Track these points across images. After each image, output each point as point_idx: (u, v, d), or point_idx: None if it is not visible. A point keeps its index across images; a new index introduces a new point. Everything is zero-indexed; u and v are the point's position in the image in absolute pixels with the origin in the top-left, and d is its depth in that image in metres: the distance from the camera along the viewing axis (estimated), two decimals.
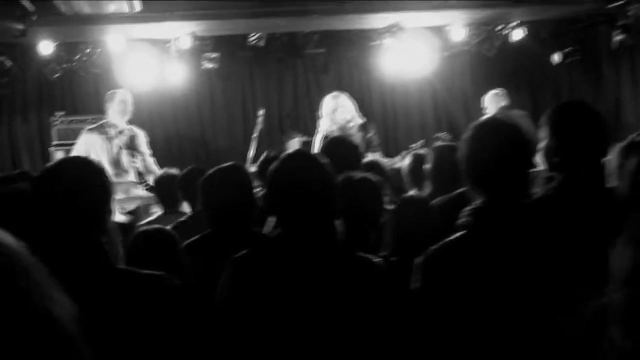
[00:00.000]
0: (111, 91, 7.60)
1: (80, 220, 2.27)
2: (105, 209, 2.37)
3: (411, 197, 3.79)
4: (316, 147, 7.22)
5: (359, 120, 7.30)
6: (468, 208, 2.55)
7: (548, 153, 3.16)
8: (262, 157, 5.64)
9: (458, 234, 2.53)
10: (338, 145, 4.62)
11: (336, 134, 7.04)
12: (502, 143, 2.49)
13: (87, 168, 2.41)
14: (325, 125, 7.16)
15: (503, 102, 8.97)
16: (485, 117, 2.75)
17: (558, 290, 2.38)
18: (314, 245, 2.53)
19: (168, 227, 3.71)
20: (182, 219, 4.63)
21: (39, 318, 0.76)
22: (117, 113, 7.41)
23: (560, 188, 3.26)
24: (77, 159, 2.65)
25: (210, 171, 3.83)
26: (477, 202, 2.54)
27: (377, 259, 2.65)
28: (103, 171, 2.44)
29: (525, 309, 2.39)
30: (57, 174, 2.36)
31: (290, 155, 2.66)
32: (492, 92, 9.07)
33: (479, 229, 2.48)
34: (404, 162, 7.31)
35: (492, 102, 9.00)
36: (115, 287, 2.27)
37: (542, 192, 3.52)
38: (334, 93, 7.32)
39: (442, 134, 8.90)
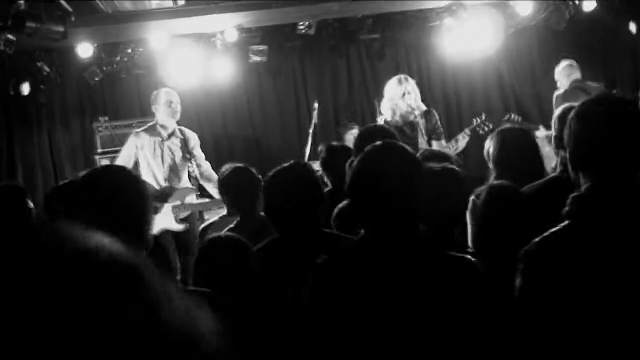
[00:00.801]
0: (156, 91, 7.65)
1: (116, 231, 2.30)
2: (143, 219, 2.40)
3: (501, 185, 3.75)
4: None
5: (423, 107, 7.28)
6: (573, 195, 2.51)
7: None
8: (323, 148, 5.62)
9: (562, 225, 2.49)
10: (376, 139, 4.56)
11: (398, 121, 7.04)
12: (613, 119, 2.43)
13: (123, 177, 2.44)
14: (387, 111, 7.16)
15: (576, 74, 8.96)
16: (595, 94, 2.70)
17: None
18: (404, 246, 2.52)
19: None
20: (213, 219, 4.65)
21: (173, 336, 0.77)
22: (165, 114, 7.45)
23: None
24: (113, 167, 2.69)
25: (272, 172, 3.81)
26: (582, 188, 2.50)
27: (470, 258, 2.63)
28: (140, 180, 2.48)
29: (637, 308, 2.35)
30: (92, 183, 2.40)
31: (378, 146, 2.66)
32: (564, 63, 9.11)
33: (586, 218, 2.43)
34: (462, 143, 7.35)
35: (565, 74, 8.99)
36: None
37: None
38: (400, 76, 7.29)
39: (513, 115, 8.84)
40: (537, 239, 2.50)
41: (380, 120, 7.25)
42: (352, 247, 2.69)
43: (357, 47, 10.75)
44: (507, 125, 8.03)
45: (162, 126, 7.46)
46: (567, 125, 2.57)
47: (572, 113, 2.59)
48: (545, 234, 2.50)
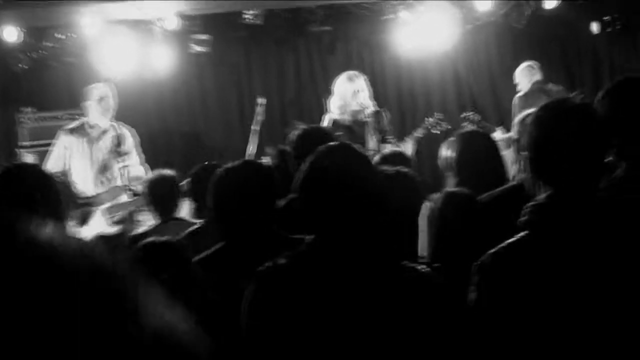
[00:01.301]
0: (89, 86, 7.49)
1: None
2: (61, 216, 2.35)
3: (455, 192, 3.73)
4: None
5: (373, 107, 7.27)
6: (530, 204, 2.50)
7: None
8: (274, 152, 5.58)
9: (519, 235, 2.48)
10: (316, 141, 4.51)
11: (346, 120, 7.02)
12: (573, 125, 2.45)
13: (36, 175, 2.39)
14: (336, 109, 7.12)
15: (537, 76, 9.14)
16: (554, 98, 2.76)
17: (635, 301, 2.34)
18: (357, 255, 2.48)
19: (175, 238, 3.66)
20: (195, 227, 4.56)
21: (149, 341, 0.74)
22: (97, 112, 7.31)
23: (627, 178, 3.27)
24: (28, 165, 2.67)
25: (220, 171, 3.71)
26: (541, 196, 2.49)
27: (426, 269, 2.59)
28: (53, 178, 2.43)
29: (601, 322, 2.35)
30: (8, 181, 2.35)
31: (331, 147, 2.61)
32: (525, 64, 9.29)
33: (543, 228, 2.44)
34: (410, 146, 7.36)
35: (525, 76, 9.15)
36: None
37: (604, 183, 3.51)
38: (350, 73, 7.27)
39: (470, 113, 8.87)
40: (492, 251, 2.51)
41: (327, 118, 7.21)
42: (300, 253, 2.62)
43: (306, 40, 10.71)
44: (466, 124, 8.10)
45: (92, 126, 7.33)
46: (528, 130, 2.57)
47: (530, 118, 2.59)
48: (501, 245, 2.50)
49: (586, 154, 2.46)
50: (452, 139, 4.91)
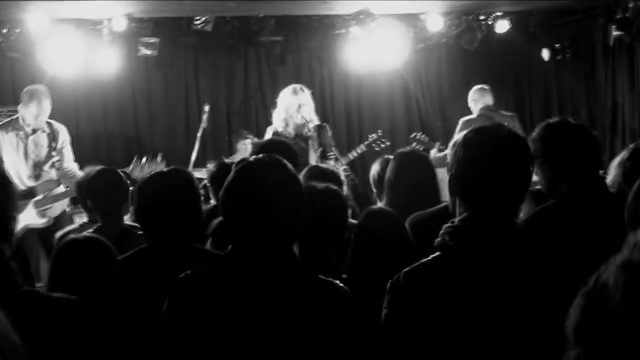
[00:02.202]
0: (27, 91, 7.49)
1: None
2: (6, 215, 2.35)
3: (379, 210, 3.79)
4: None
5: (317, 121, 7.34)
6: (446, 225, 2.56)
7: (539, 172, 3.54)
8: (214, 165, 5.62)
9: (432, 256, 2.54)
10: (277, 150, 4.58)
11: (290, 133, 7.07)
12: (496, 152, 2.51)
13: None
14: (280, 122, 7.17)
15: (487, 99, 9.23)
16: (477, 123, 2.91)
17: (542, 329, 2.39)
18: (271, 266, 2.52)
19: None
20: (71, 227, 4.59)
21: None
22: (31, 115, 7.36)
23: (551, 209, 3.43)
24: None
25: (146, 176, 3.81)
26: (458, 218, 2.55)
27: (340, 283, 2.64)
28: (3, 174, 2.42)
29: (502, 346, 2.41)
30: None
31: (255, 159, 2.65)
32: (478, 87, 9.36)
33: (456, 250, 2.49)
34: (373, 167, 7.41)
35: (473, 100, 9.24)
36: (16, 312, 2.23)
37: (529, 213, 3.67)
38: (296, 86, 7.33)
39: (419, 134, 8.98)
40: (405, 270, 2.55)
41: (270, 130, 7.27)
42: (217, 263, 2.67)
43: (256, 49, 10.72)
44: (415, 144, 8.19)
45: (25, 120, 7.35)
46: (453, 151, 2.63)
47: (459, 140, 2.64)
48: (414, 265, 2.55)
49: (505, 179, 2.51)
50: (386, 156, 4.99)
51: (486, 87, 9.36)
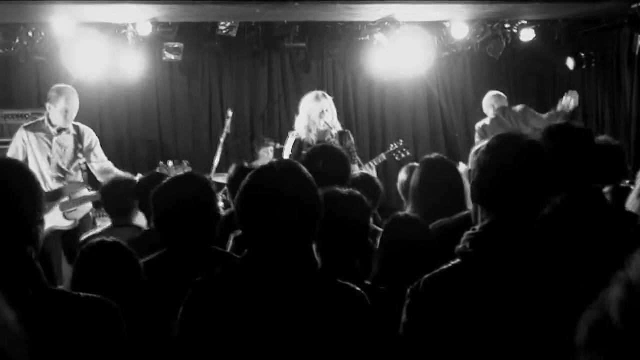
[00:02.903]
0: (55, 88, 7.49)
1: (3, 231, 2.25)
2: (33, 217, 2.36)
3: (405, 216, 3.79)
4: (286, 151, 7.26)
5: (339, 127, 7.33)
6: (467, 232, 2.56)
7: None
8: (233, 168, 5.62)
9: (453, 263, 2.54)
10: (325, 155, 4.62)
11: (312, 139, 7.07)
12: (521, 158, 2.52)
13: (11, 171, 2.40)
14: (302, 128, 7.18)
15: (501, 103, 9.30)
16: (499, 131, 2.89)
17: (562, 332, 2.39)
18: (287, 270, 2.52)
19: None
20: (136, 234, 4.61)
21: None
22: (59, 115, 7.36)
23: (558, 211, 3.41)
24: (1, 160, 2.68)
25: (164, 181, 3.84)
26: (479, 225, 2.55)
27: (358, 288, 2.64)
28: (31, 175, 2.43)
29: (523, 352, 2.40)
30: None
31: (270, 163, 2.66)
32: (490, 93, 9.40)
33: (476, 258, 2.49)
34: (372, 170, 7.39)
35: (489, 105, 9.34)
36: (46, 311, 2.24)
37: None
38: (318, 92, 7.33)
39: (399, 144, 8.75)
40: (426, 276, 2.54)
41: (292, 136, 7.27)
42: (234, 266, 2.68)
43: (280, 55, 10.76)
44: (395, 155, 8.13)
45: (50, 122, 7.37)
46: (476, 158, 2.63)
47: (483, 147, 2.65)
48: (435, 271, 2.54)
49: (526, 187, 2.51)
50: (411, 163, 4.97)
51: (500, 93, 9.43)
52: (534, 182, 2.53)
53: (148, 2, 8.15)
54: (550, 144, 3.43)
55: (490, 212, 2.53)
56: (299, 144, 7.09)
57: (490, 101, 9.31)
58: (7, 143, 7.87)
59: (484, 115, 9.61)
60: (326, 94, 7.32)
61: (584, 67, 10.74)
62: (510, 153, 2.55)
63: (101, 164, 7.48)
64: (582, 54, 10.64)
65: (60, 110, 7.30)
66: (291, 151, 7.11)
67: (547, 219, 3.18)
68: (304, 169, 2.65)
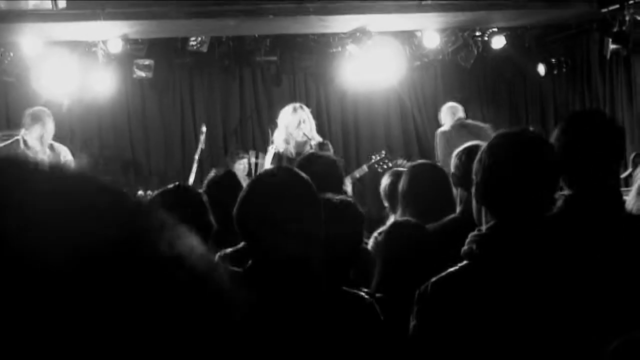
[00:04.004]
0: (29, 114, 7.40)
1: None
2: None
3: (405, 222, 3.77)
4: (267, 164, 7.22)
5: (318, 139, 7.31)
6: (472, 234, 2.53)
7: None
8: (209, 178, 5.56)
9: (460, 265, 2.51)
10: (316, 162, 4.58)
11: (292, 152, 7.04)
12: (526, 157, 2.50)
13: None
14: (281, 141, 7.14)
15: (460, 114, 9.51)
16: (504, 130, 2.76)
17: (573, 331, 2.38)
18: (294, 278, 2.49)
19: None
20: None
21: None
22: (36, 137, 7.28)
23: (567, 209, 3.32)
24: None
25: (154, 194, 3.79)
26: (485, 226, 2.52)
27: (366, 296, 2.61)
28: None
29: (536, 352, 2.39)
30: None
31: (270, 172, 2.63)
32: (449, 104, 9.64)
33: (484, 258, 2.47)
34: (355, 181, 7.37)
35: (450, 114, 9.52)
36: None
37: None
38: (295, 105, 7.31)
39: (380, 154, 8.71)
40: (432, 280, 2.52)
41: (271, 150, 7.23)
42: (240, 277, 2.63)
43: (252, 69, 10.75)
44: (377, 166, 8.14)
45: (27, 145, 7.28)
46: (478, 158, 2.59)
47: (484, 146, 2.61)
48: (442, 274, 2.52)
49: (534, 186, 2.49)
50: (394, 169, 4.96)
51: (455, 103, 9.63)
52: (539, 181, 2.51)
53: (118, 19, 8.09)
54: (571, 131, 3.26)
55: (496, 213, 2.51)
56: (278, 157, 7.05)
57: (451, 110, 9.56)
58: None
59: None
60: (304, 106, 7.31)
61: (555, 72, 10.82)
62: (515, 151, 2.52)
63: None
64: (553, 60, 10.73)
65: (36, 136, 7.25)
66: (271, 164, 7.06)
67: (559, 218, 3.13)
68: (304, 174, 2.62)
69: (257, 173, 2.61)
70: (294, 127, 7.08)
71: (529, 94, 11.52)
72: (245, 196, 2.55)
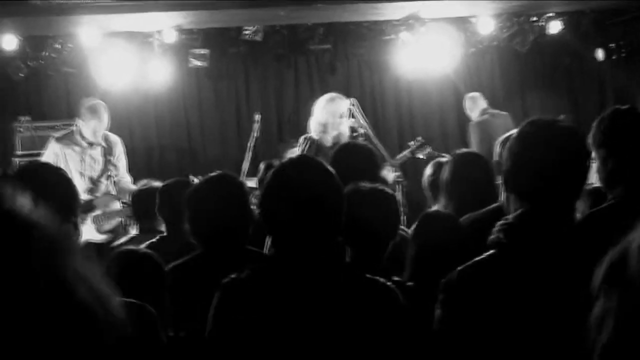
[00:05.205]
0: (86, 106, 7.51)
1: None
2: (68, 218, 2.40)
3: (436, 212, 3.76)
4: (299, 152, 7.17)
5: (360, 130, 7.28)
6: (500, 222, 2.52)
7: (599, 166, 3.29)
8: (262, 166, 5.60)
9: (487, 254, 2.50)
10: (352, 152, 4.60)
11: (329, 140, 7.00)
12: (557, 145, 2.48)
13: (54, 172, 2.46)
14: (317, 130, 7.10)
15: (482, 104, 9.88)
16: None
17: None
18: (315, 266, 2.51)
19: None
20: (152, 240, 4.63)
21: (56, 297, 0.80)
22: (90, 129, 7.39)
23: (613, 207, 3.29)
24: (45, 163, 2.75)
25: (198, 183, 3.85)
26: (512, 215, 2.51)
27: (389, 283, 2.62)
28: (68, 177, 2.51)
29: (560, 344, 2.36)
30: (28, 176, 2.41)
31: (291, 160, 2.65)
32: (469, 95, 10.04)
33: (511, 248, 2.45)
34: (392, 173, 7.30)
35: (473, 106, 9.91)
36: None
37: (588, 210, 3.53)
38: (333, 94, 7.26)
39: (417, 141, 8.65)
40: (459, 269, 2.51)
41: (306, 140, 7.18)
42: (262, 266, 2.67)
43: (306, 57, 10.77)
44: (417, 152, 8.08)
45: (82, 135, 7.40)
46: (508, 145, 2.58)
47: (515, 133, 2.60)
48: (468, 263, 2.51)
49: (562, 174, 2.47)
50: (437, 160, 4.94)
51: (476, 94, 9.96)
52: (570, 169, 2.49)
53: (172, 10, 8.19)
54: (617, 125, 3.32)
55: (524, 202, 2.49)
56: (316, 146, 6.99)
57: (475, 100, 9.95)
58: (38, 155, 7.92)
59: (515, 110, 9.68)
60: (342, 96, 7.25)
61: (613, 57, 10.62)
62: (545, 139, 2.50)
63: (120, 178, 7.49)
64: (611, 45, 10.53)
65: (92, 127, 7.35)
66: (306, 152, 7.02)
67: (607, 212, 3.09)
68: (325, 163, 2.64)
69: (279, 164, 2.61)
70: (332, 117, 7.04)
71: (586, 79, 11.32)
72: (266, 186, 2.58)
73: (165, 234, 4.81)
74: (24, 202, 0.94)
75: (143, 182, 5.69)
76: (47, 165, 3.28)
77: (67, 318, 0.78)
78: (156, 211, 4.87)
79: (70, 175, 2.85)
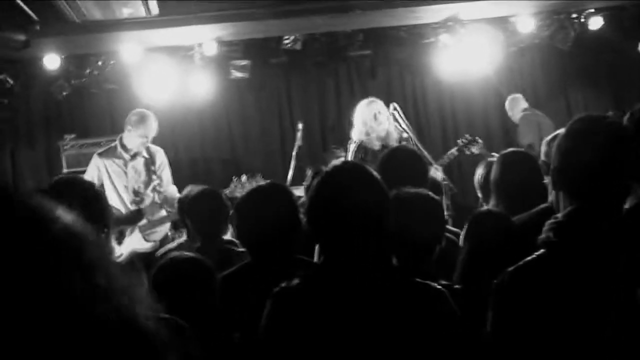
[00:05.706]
0: (136, 112, 7.47)
1: None
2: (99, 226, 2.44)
3: (487, 211, 3.71)
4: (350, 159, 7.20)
5: (403, 134, 7.29)
6: (549, 222, 2.48)
7: None
8: (310, 173, 5.59)
9: (537, 254, 2.46)
10: (399, 157, 4.58)
11: (375, 144, 7.02)
12: (606, 142, 2.42)
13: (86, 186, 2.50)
14: (361, 135, 7.13)
15: (524, 104, 10.02)
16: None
17: None
18: (365, 273, 2.49)
19: None
20: (170, 245, 4.65)
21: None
22: (137, 139, 7.37)
23: None
24: (76, 177, 2.82)
25: (247, 192, 3.86)
26: (562, 213, 2.47)
27: (438, 286, 2.59)
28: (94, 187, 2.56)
29: (613, 343, 2.32)
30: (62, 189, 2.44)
31: (336, 167, 2.63)
32: (511, 96, 10.16)
33: (561, 247, 2.41)
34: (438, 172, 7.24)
35: (515, 107, 10.03)
36: None
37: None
38: (370, 98, 7.32)
39: (465, 138, 8.60)
40: (510, 269, 2.48)
41: (353, 145, 7.22)
42: (312, 274, 2.66)
43: (346, 64, 10.77)
44: (467, 149, 8.05)
45: (124, 147, 7.41)
46: (556, 143, 2.55)
47: (563, 131, 2.57)
48: (519, 263, 2.47)
49: (611, 171, 2.43)
50: (488, 160, 4.89)
51: (517, 94, 10.13)
52: (616, 168, 2.44)
53: (212, 22, 8.23)
54: None
55: (574, 200, 2.45)
56: (363, 150, 7.03)
57: (512, 103, 10.15)
58: (84, 172, 7.99)
59: (559, 108, 9.60)
60: (376, 99, 7.30)
61: None
62: (594, 137, 2.45)
63: (166, 188, 7.50)
64: None
65: (140, 135, 7.34)
66: (354, 158, 7.06)
67: None
68: (370, 169, 2.62)
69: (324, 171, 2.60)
70: (371, 120, 7.07)
71: (630, 74, 11.16)
72: (313, 192, 2.57)
73: (199, 244, 4.80)
74: (64, 214, 0.96)
75: (189, 188, 5.70)
76: (76, 179, 3.31)
77: (92, 334, 0.77)
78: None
79: (101, 189, 2.90)
